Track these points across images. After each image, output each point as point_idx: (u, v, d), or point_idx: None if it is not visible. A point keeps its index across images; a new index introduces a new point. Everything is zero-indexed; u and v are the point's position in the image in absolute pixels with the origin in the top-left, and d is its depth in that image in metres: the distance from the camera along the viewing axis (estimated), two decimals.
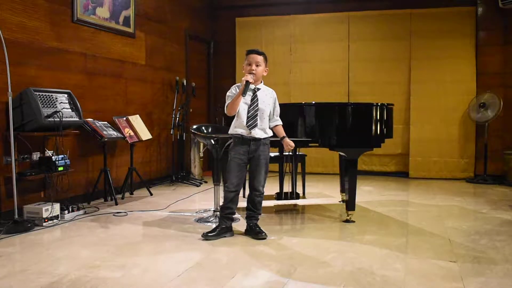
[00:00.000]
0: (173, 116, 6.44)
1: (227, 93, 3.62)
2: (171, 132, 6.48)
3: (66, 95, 4.39)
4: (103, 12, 5.19)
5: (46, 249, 3.29)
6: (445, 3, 6.93)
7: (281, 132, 3.71)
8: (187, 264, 2.97)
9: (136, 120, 5.53)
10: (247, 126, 3.52)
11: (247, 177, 3.76)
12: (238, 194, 3.67)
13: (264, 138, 3.60)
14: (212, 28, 7.94)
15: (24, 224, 3.79)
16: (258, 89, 3.62)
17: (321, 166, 7.48)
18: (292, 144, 3.67)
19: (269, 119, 3.66)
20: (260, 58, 3.60)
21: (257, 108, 3.55)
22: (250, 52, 3.64)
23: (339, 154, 4.73)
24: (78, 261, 3.02)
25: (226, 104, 3.58)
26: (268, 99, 3.64)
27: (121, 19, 5.50)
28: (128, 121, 5.39)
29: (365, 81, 7.25)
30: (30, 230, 3.77)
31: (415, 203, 5.13)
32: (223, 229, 3.61)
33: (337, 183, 5.45)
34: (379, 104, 4.12)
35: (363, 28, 7.29)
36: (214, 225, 3.80)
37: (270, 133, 3.66)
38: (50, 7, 4.48)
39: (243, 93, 3.44)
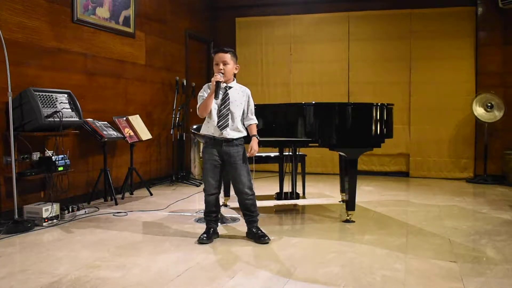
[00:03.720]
0: (173, 116, 6.45)
1: (199, 94, 3.52)
2: (171, 132, 6.48)
3: (66, 95, 4.39)
4: (103, 12, 5.19)
5: (46, 249, 3.29)
6: (445, 3, 6.93)
7: (253, 131, 3.57)
8: (187, 264, 2.97)
9: (136, 120, 5.53)
10: (218, 127, 3.42)
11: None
12: (219, 195, 3.62)
13: (236, 139, 3.47)
14: (212, 28, 7.94)
15: (24, 224, 3.79)
16: (230, 87, 3.50)
17: (321, 166, 7.48)
18: (256, 149, 3.51)
19: (243, 118, 3.55)
20: (227, 57, 3.47)
21: (228, 107, 3.44)
22: (216, 51, 3.52)
23: (339, 154, 4.74)
24: (78, 261, 3.02)
25: (198, 106, 3.49)
26: (240, 98, 3.51)
27: (121, 19, 5.50)
28: (128, 121, 5.39)
29: (365, 81, 7.25)
30: (30, 230, 3.77)
31: (415, 203, 5.13)
32: (213, 232, 3.57)
33: (337, 183, 5.45)
34: (379, 104, 4.11)
35: (363, 28, 7.29)
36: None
37: (244, 133, 3.54)
38: (50, 7, 4.48)
39: (216, 95, 3.35)
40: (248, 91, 3.60)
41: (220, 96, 3.43)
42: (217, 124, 3.43)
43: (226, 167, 3.54)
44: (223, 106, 3.45)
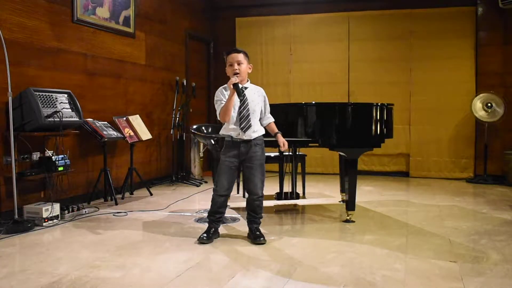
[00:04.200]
0: (173, 116, 6.45)
1: (215, 99, 3.51)
2: (171, 132, 6.48)
3: (66, 95, 4.39)
4: (103, 12, 5.19)
5: (46, 249, 3.29)
6: (445, 3, 6.93)
7: (274, 128, 3.61)
8: (187, 264, 2.97)
9: (136, 120, 5.53)
10: (241, 128, 3.41)
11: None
12: (228, 197, 3.61)
13: (254, 139, 3.48)
14: (212, 28, 7.94)
15: (24, 224, 3.79)
16: (246, 88, 3.49)
17: (321, 166, 7.48)
18: (286, 143, 3.56)
19: (261, 118, 3.57)
20: (241, 56, 3.46)
21: (248, 107, 3.43)
22: (229, 52, 3.51)
23: (339, 154, 4.74)
24: (78, 261, 3.02)
25: (218, 111, 3.47)
26: (257, 98, 3.52)
27: (121, 19, 5.50)
28: (128, 121, 5.39)
29: (365, 81, 7.25)
30: (30, 230, 3.77)
31: (415, 203, 5.13)
32: (214, 232, 3.55)
33: (337, 183, 5.45)
34: (379, 104, 4.11)
35: (363, 28, 7.29)
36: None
37: (262, 131, 3.56)
38: (50, 7, 4.48)
39: (238, 95, 3.36)
40: (263, 91, 3.61)
41: (237, 100, 3.42)
42: (240, 126, 3.42)
43: (242, 167, 3.55)
44: (242, 108, 3.43)
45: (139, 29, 5.86)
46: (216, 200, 3.54)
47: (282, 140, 3.57)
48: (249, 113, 3.43)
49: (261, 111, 3.57)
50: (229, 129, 3.47)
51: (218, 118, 3.50)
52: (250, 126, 3.43)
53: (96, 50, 5.12)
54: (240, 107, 3.43)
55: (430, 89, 7.01)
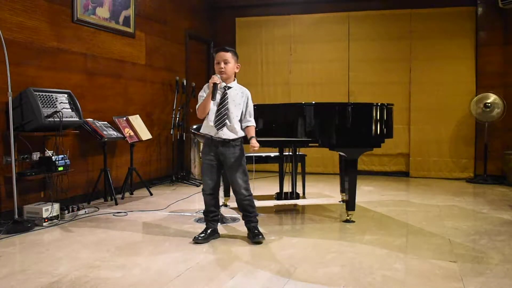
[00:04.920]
0: (173, 116, 6.45)
1: (199, 94, 3.49)
2: (171, 132, 6.48)
3: (66, 95, 4.39)
4: (103, 12, 5.19)
5: (46, 249, 3.29)
6: (445, 3, 6.94)
7: (251, 133, 3.48)
8: (187, 264, 2.97)
9: (136, 120, 5.53)
10: (215, 126, 3.40)
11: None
12: (217, 196, 3.59)
13: (233, 140, 3.44)
14: (212, 28, 7.95)
15: (24, 224, 3.79)
16: (229, 87, 3.48)
17: (321, 166, 7.48)
18: (257, 145, 3.42)
19: (241, 120, 3.50)
20: (228, 55, 3.45)
21: (227, 107, 3.41)
22: (217, 50, 3.50)
23: (339, 154, 4.74)
24: (78, 261, 3.02)
25: (197, 107, 3.47)
26: (239, 98, 3.47)
27: (121, 19, 5.50)
28: (128, 121, 5.39)
29: (365, 81, 7.26)
30: (30, 230, 3.77)
31: (415, 203, 5.13)
32: (211, 232, 3.55)
33: (337, 183, 5.45)
34: (379, 104, 4.11)
35: (363, 28, 7.29)
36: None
37: (241, 134, 3.49)
38: (50, 7, 4.48)
39: (212, 96, 3.34)
40: (247, 92, 3.57)
41: (218, 97, 3.44)
42: (214, 124, 3.42)
43: (224, 168, 3.53)
44: (221, 106, 3.43)
45: (139, 29, 5.86)
46: (205, 200, 3.57)
47: (253, 144, 3.41)
48: (226, 112, 3.42)
49: (242, 112, 3.50)
50: (208, 127, 3.46)
51: (197, 114, 3.49)
52: (224, 125, 3.41)
53: (96, 50, 5.12)
54: (219, 105, 3.43)
55: (430, 89, 7.01)
